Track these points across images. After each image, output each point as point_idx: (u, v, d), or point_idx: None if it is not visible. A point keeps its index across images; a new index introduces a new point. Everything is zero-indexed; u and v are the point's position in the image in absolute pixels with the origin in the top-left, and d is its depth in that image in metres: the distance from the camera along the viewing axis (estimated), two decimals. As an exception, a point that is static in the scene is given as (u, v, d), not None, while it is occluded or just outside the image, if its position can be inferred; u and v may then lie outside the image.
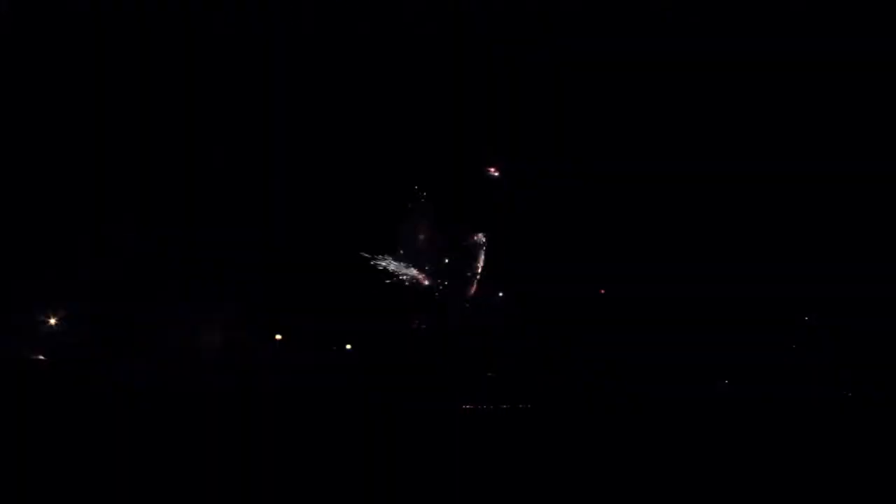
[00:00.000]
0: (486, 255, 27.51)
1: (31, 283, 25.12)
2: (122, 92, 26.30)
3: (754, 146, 26.72)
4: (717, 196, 26.94)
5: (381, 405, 23.05)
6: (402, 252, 27.20)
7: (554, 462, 17.53)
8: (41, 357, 24.62)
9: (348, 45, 27.15)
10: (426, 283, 27.26)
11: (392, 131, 27.45)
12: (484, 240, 27.65)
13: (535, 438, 20.22)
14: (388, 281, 27.03)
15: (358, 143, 27.11)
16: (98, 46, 26.15)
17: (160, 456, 16.79)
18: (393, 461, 17.32)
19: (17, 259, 25.10)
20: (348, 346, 26.37)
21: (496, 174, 27.65)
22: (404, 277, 26.95)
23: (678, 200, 26.98)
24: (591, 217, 27.14)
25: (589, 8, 27.00)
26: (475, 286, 27.49)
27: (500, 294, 27.28)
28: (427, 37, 27.23)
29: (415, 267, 27.21)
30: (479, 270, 27.52)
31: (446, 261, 27.57)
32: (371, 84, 27.16)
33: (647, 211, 27.06)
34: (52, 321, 25.15)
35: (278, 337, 26.03)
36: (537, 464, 17.32)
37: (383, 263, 26.89)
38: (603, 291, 27.23)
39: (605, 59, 26.69)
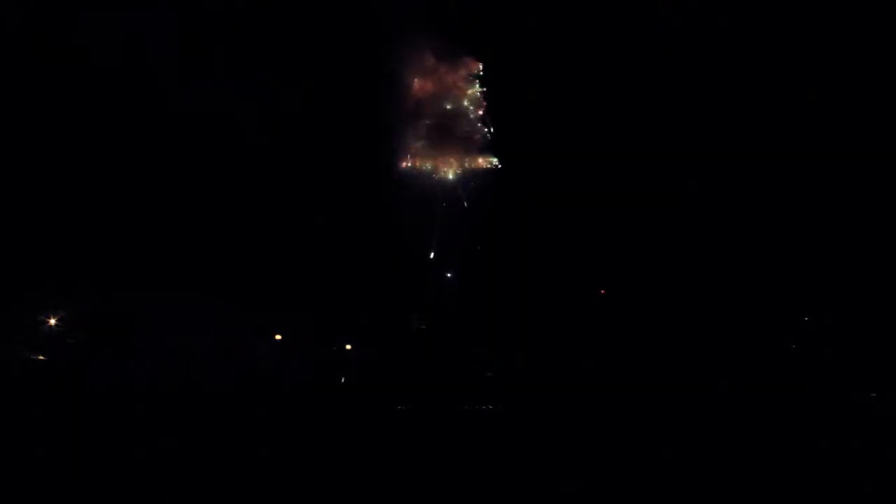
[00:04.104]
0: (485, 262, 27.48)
1: (31, 283, 25.14)
2: (121, 91, 26.36)
3: (754, 146, 26.77)
4: (716, 196, 26.98)
5: (380, 406, 23.10)
6: None
7: (554, 462, 17.56)
8: (41, 357, 24.63)
9: (348, 45, 27.23)
10: None
11: (389, 131, 27.57)
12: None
13: (535, 438, 20.24)
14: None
15: (356, 142, 27.20)
16: (98, 44, 26.23)
17: (160, 456, 16.81)
18: (392, 461, 17.35)
19: (17, 259, 25.11)
20: (348, 347, 26.43)
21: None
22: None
23: (677, 201, 27.01)
24: (590, 217, 27.18)
25: (589, 8, 27.11)
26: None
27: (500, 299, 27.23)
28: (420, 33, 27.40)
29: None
30: None
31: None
32: (371, 83, 27.28)
33: (646, 211, 27.08)
34: (52, 321, 25.18)
35: (278, 337, 26.07)
36: (537, 464, 17.35)
37: None
38: (603, 292, 27.29)
39: (605, 59, 26.81)
